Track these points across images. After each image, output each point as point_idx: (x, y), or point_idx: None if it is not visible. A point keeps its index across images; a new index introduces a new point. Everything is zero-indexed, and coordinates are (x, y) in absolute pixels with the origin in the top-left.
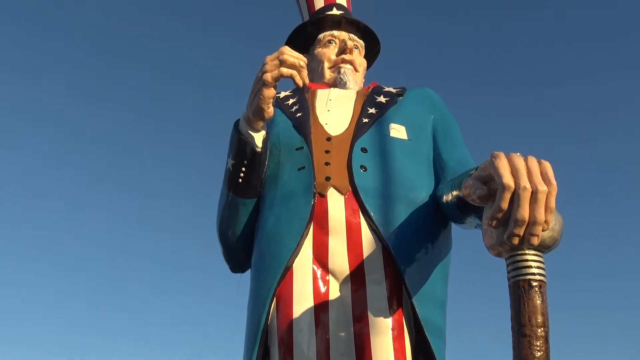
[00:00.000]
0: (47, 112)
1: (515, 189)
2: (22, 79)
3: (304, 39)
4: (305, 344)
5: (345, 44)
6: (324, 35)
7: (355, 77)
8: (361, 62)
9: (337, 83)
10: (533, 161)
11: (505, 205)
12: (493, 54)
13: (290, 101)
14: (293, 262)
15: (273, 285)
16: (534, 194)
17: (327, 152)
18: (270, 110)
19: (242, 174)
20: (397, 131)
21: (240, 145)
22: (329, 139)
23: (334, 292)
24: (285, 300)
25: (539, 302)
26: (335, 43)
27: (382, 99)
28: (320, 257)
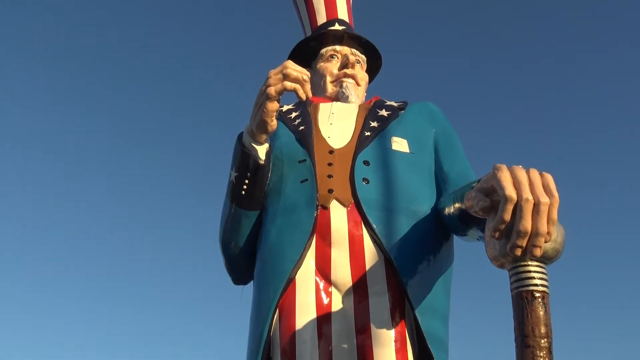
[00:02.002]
0: (45, 112)
1: (517, 201)
2: (18, 81)
3: (307, 53)
4: (308, 355)
5: (348, 58)
6: (327, 50)
7: (357, 91)
8: (363, 76)
9: (340, 97)
10: (535, 173)
11: (507, 216)
12: (494, 67)
13: (293, 114)
14: (295, 274)
15: (275, 297)
16: (536, 205)
17: (329, 164)
18: (273, 123)
19: (245, 187)
20: (399, 144)
21: (244, 158)
22: (331, 151)
23: (337, 304)
24: (287, 312)
25: (542, 312)
26: (338, 58)
27: (384, 112)
28: (323, 269)
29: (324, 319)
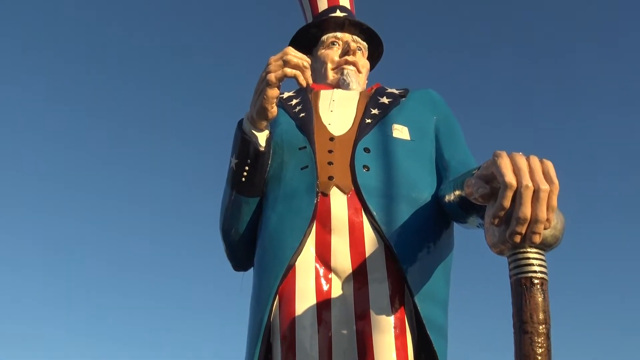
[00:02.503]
0: (46, 110)
1: (517, 188)
2: (21, 77)
3: (307, 40)
4: (307, 341)
5: (349, 45)
6: (328, 37)
7: (358, 79)
8: (364, 63)
9: (340, 84)
10: (535, 160)
11: (507, 203)
12: (495, 54)
13: (294, 101)
14: (295, 261)
15: (275, 283)
16: (536, 192)
17: (330, 151)
18: (273, 110)
19: (245, 173)
20: (400, 132)
21: (244, 145)
22: (332, 139)
23: (337, 290)
24: (287, 298)
25: (540, 299)
26: (339, 45)
27: (385, 100)
28: (323, 256)
29: (323, 305)
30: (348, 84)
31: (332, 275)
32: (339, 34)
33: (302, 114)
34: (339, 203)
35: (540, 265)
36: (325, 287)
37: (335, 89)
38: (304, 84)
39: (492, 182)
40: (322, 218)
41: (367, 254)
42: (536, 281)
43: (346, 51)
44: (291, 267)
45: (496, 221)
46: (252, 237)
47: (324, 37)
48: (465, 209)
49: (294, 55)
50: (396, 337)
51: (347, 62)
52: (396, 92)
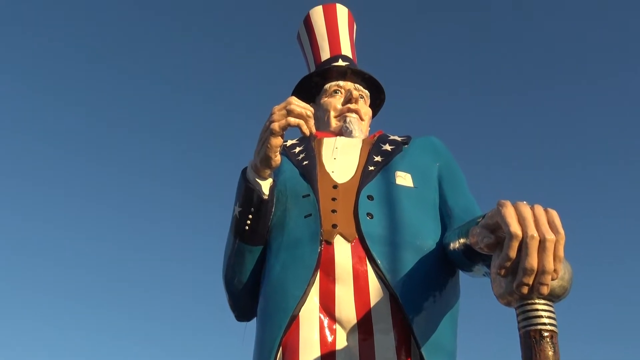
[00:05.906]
0: (47, 113)
1: (522, 238)
2: (23, 78)
3: (310, 88)
4: None
5: (351, 93)
6: (330, 85)
7: (360, 126)
8: (366, 111)
9: (343, 131)
10: (540, 210)
11: (513, 254)
12: (498, 100)
13: (297, 149)
14: (299, 311)
15: (279, 334)
16: (542, 242)
17: (333, 199)
18: (277, 158)
19: (248, 222)
20: (403, 179)
21: (247, 193)
22: (335, 186)
23: (341, 341)
24: (291, 349)
25: (550, 352)
26: (341, 93)
27: (387, 147)
28: (327, 306)
29: (328, 356)
30: (351, 132)
31: (337, 326)
32: (341, 83)
33: (305, 162)
34: (343, 251)
35: (549, 317)
36: (329, 338)
37: (338, 137)
38: (307, 133)
39: (497, 231)
40: (326, 267)
41: (372, 303)
42: (546, 334)
43: (348, 99)
44: (295, 318)
45: (502, 272)
46: (255, 286)
47: (327, 86)
48: (471, 258)
49: (298, 104)
50: None
51: (350, 110)
52: (399, 139)
